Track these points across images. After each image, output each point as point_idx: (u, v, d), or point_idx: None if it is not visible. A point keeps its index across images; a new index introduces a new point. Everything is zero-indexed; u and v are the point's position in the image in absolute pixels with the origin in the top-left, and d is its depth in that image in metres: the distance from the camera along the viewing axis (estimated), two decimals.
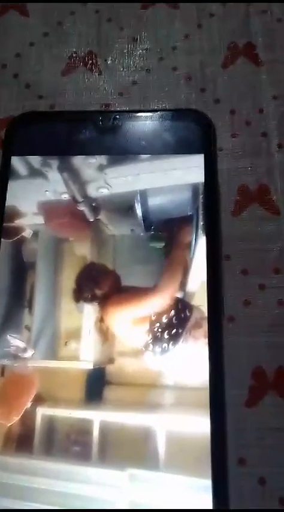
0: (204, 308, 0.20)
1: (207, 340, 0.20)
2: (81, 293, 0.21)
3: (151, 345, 0.20)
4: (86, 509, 0.18)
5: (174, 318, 0.21)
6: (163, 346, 0.20)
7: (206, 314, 0.20)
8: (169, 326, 0.20)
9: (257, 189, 0.25)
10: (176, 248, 0.22)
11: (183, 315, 0.21)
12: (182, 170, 0.23)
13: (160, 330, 0.20)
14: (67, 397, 0.20)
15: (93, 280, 0.21)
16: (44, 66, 0.29)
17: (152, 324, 0.21)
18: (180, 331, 0.20)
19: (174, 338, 0.20)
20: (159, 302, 0.21)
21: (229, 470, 0.19)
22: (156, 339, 0.20)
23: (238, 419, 0.21)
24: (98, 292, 0.21)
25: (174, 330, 0.20)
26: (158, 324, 0.21)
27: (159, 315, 0.21)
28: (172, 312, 0.21)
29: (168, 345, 0.20)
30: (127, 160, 0.23)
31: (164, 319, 0.21)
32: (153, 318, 0.21)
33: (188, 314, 0.21)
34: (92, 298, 0.21)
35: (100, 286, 0.21)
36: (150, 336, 0.21)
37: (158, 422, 0.19)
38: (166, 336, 0.20)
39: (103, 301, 0.21)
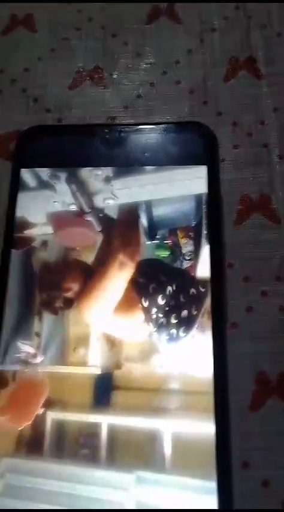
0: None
1: (211, 345, 0.21)
2: (51, 304, 0.20)
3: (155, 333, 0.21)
4: (87, 509, 0.19)
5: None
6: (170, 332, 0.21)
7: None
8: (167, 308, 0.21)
9: (259, 198, 0.26)
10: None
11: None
12: (186, 181, 0.23)
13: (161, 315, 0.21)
14: (76, 401, 0.21)
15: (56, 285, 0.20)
16: (51, 80, 0.30)
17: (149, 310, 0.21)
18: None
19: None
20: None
21: (233, 472, 0.19)
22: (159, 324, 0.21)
23: (242, 423, 0.22)
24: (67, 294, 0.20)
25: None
26: (155, 309, 0.21)
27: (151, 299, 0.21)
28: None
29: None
30: (132, 171, 0.24)
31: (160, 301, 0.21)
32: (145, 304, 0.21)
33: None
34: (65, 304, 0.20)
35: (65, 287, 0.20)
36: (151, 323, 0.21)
37: (164, 425, 0.20)
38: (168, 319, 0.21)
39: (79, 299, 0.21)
